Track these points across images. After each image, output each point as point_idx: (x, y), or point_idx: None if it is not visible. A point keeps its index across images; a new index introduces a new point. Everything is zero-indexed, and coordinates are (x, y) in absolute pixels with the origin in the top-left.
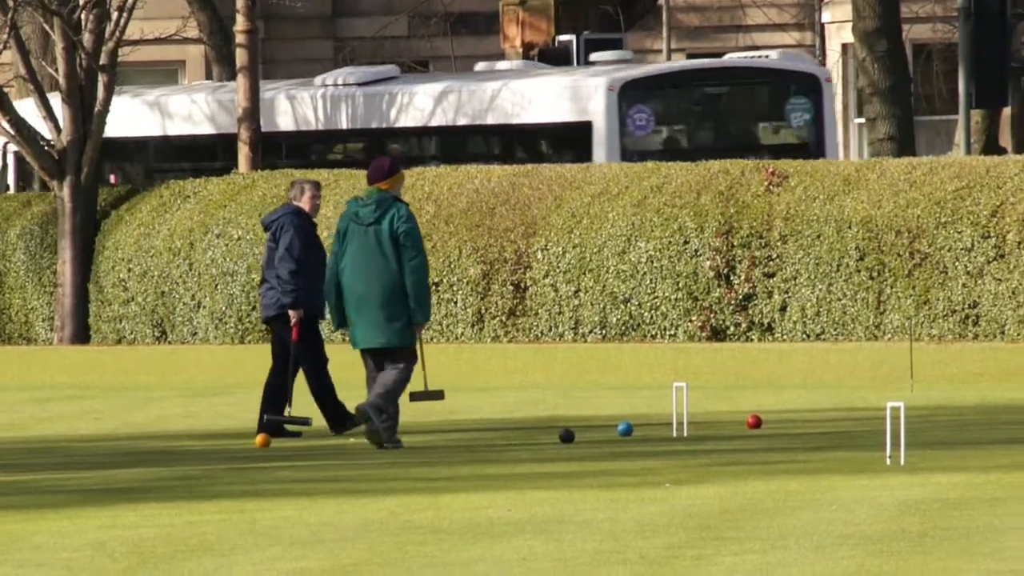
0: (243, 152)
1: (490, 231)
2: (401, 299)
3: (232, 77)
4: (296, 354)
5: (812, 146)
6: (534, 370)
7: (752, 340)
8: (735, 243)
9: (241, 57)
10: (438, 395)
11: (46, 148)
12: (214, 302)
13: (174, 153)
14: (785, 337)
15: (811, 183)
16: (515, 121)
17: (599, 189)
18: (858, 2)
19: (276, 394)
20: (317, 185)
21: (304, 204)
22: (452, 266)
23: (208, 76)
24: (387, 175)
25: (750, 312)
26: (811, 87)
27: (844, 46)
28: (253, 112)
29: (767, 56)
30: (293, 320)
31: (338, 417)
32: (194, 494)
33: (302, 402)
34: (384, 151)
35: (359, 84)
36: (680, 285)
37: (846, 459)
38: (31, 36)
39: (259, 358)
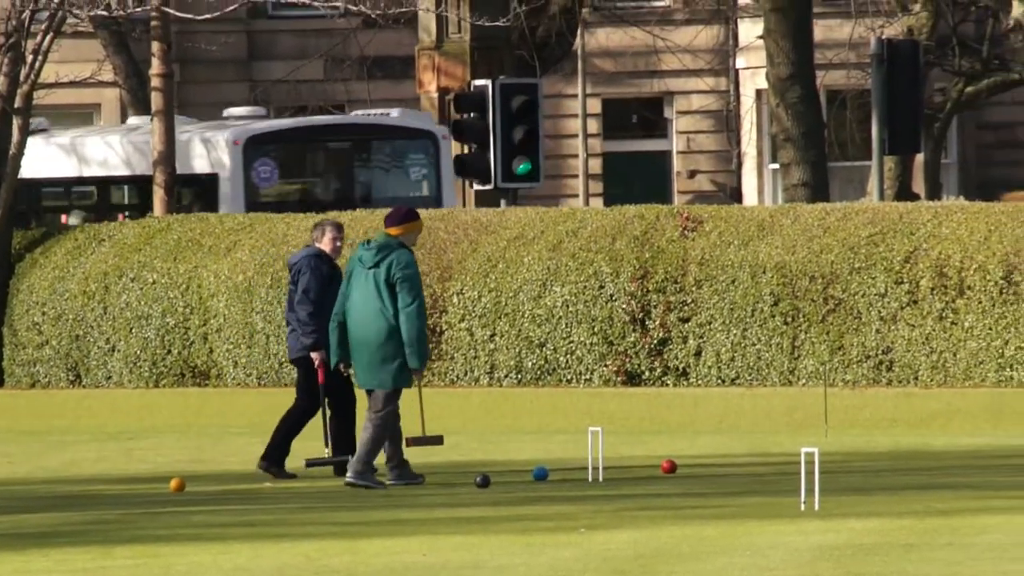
0: (158, 195)
1: None
2: (395, 342)
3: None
4: (323, 393)
5: (431, 199)
6: (449, 415)
7: (667, 385)
8: (650, 288)
9: (157, 100)
10: (437, 440)
11: None
12: (128, 346)
13: (88, 195)
14: (700, 382)
15: (726, 228)
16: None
17: (515, 233)
18: (771, 48)
19: (293, 427)
20: (338, 227)
21: (324, 245)
22: None
23: (123, 119)
24: (398, 221)
25: (665, 357)
26: (428, 144)
27: (758, 91)
28: (168, 155)
29: (388, 114)
30: (316, 362)
31: (275, 454)
32: (108, 538)
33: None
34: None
35: None
36: (595, 329)
37: (761, 504)
38: None
39: (174, 402)
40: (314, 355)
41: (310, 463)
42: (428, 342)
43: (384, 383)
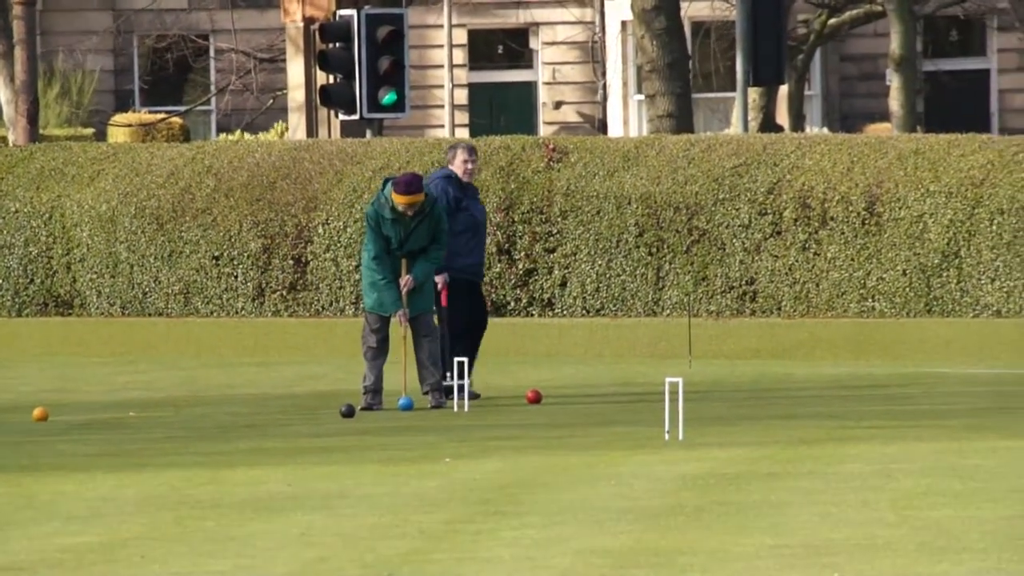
0: (20, 124)
1: (271, 205)
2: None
3: (9, 49)
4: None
5: None
6: (315, 344)
7: (532, 315)
8: (516, 219)
9: (19, 29)
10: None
11: None
12: None
13: None
14: (565, 312)
15: (591, 159)
16: None
17: (381, 164)
18: None
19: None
20: (469, 149)
21: (456, 168)
22: (232, 240)
23: None
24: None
25: (531, 287)
26: None
27: (623, 23)
28: (31, 84)
29: None
30: (439, 285)
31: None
32: None
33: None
34: None
35: None
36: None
37: (625, 434)
38: None
39: (37, 331)
40: (437, 278)
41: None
42: (377, 290)
43: None
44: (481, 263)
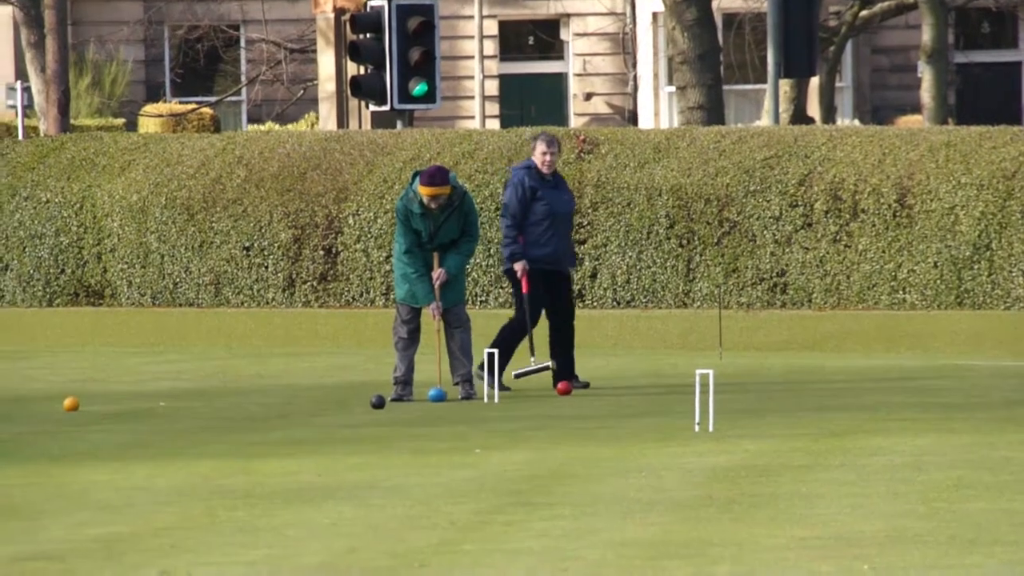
0: (51, 114)
1: (301, 196)
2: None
3: (41, 39)
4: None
5: None
6: (345, 335)
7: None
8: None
9: (50, 19)
10: (544, 367)
11: None
12: (22, 265)
13: None
14: (595, 304)
15: (622, 151)
16: None
17: (411, 155)
18: None
19: (507, 340)
20: (548, 141)
21: (536, 159)
22: (263, 231)
23: (16, 38)
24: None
25: None
26: None
27: (654, 14)
28: (62, 74)
29: None
30: (519, 273)
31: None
32: (1, 458)
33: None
34: None
35: None
36: (491, 252)
37: (655, 426)
38: None
39: (67, 321)
40: (516, 266)
41: (518, 374)
42: (408, 282)
43: None
44: (559, 253)
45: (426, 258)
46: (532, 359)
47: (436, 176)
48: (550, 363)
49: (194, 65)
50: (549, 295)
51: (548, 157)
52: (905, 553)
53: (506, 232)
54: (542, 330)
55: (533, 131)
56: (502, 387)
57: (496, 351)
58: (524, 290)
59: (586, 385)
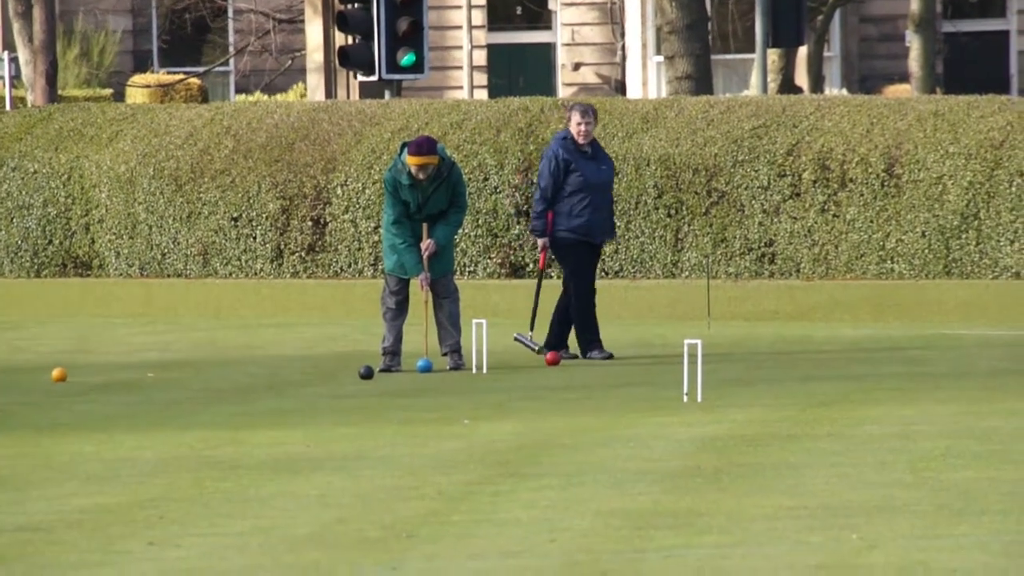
0: (39, 84)
1: (289, 166)
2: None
3: (28, 9)
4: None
5: None
6: (333, 306)
7: (552, 277)
8: (534, 180)
9: None
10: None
11: None
12: (10, 235)
13: None
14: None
15: (609, 121)
16: None
17: (399, 125)
18: None
19: (581, 311)
20: (584, 111)
21: (572, 129)
22: (251, 201)
23: (4, 8)
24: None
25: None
26: None
27: None
28: (50, 44)
29: None
30: (539, 249)
31: (555, 340)
32: None
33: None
34: None
35: None
36: (480, 222)
37: (643, 396)
38: None
39: (55, 292)
40: (539, 241)
41: (516, 338)
42: (397, 252)
43: None
44: (592, 224)
45: (414, 229)
46: (530, 333)
47: (424, 146)
48: (543, 348)
49: (182, 35)
50: (590, 265)
51: (583, 127)
52: (893, 522)
53: (535, 205)
54: (545, 312)
55: (521, 101)
56: (607, 355)
57: (484, 322)
58: (540, 266)
59: (575, 357)
